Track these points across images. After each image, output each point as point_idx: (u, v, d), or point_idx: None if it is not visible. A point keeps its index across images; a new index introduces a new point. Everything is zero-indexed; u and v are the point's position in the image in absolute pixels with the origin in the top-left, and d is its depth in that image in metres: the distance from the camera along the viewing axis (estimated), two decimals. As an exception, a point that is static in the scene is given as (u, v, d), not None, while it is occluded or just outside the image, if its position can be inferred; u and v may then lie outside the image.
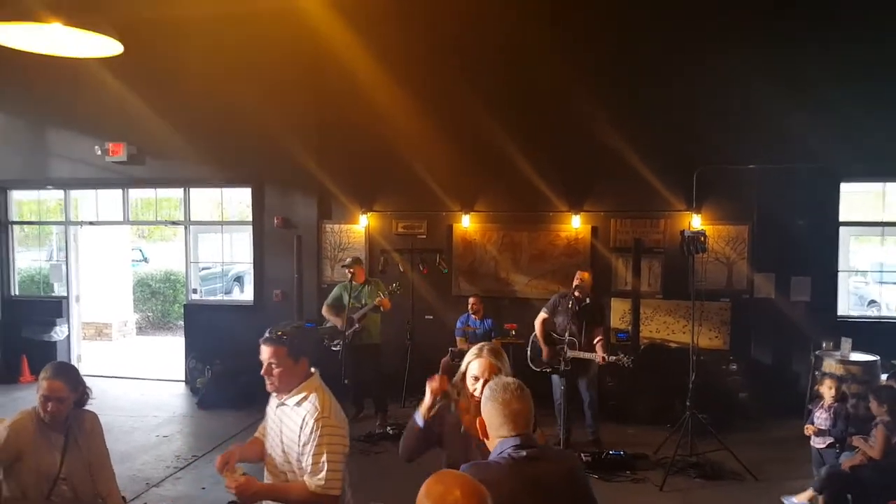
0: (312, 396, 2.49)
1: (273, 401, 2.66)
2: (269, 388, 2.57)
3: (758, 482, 5.20)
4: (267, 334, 2.52)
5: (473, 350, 2.49)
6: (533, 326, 6.17)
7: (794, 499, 4.79)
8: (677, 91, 6.94)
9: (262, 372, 2.53)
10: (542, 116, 7.31)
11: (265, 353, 2.51)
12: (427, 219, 7.73)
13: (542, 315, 6.09)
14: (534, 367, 6.04)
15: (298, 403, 2.51)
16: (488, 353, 2.43)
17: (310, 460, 2.42)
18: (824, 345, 6.51)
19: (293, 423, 2.50)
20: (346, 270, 6.60)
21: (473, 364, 2.44)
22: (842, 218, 7.12)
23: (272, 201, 8.04)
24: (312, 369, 2.62)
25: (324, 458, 2.40)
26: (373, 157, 7.67)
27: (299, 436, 2.46)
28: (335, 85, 7.62)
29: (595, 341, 5.88)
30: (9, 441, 2.72)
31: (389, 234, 7.83)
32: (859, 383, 5.85)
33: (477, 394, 2.35)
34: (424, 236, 7.72)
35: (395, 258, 7.61)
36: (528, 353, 6.19)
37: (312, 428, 2.42)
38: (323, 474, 2.40)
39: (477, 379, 2.40)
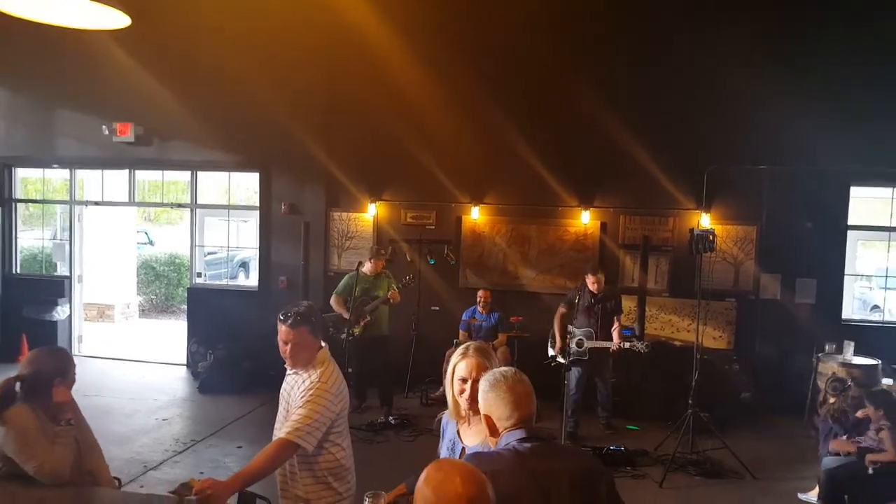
0: (321, 368, 2.66)
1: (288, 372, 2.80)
2: (289, 365, 2.72)
3: (757, 481, 5.23)
4: (287, 316, 2.62)
5: (459, 350, 2.35)
6: (541, 321, 6.33)
7: (809, 494, 4.82)
8: (690, 90, 6.89)
9: (285, 352, 2.66)
10: (555, 111, 7.27)
11: (290, 334, 2.62)
12: (436, 209, 7.70)
13: (561, 309, 6.23)
14: (560, 360, 6.08)
15: (309, 373, 2.66)
16: (475, 353, 2.30)
17: (292, 414, 2.59)
18: (827, 347, 6.51)
19: (299, 387, 2.66)
20: (371, 261, 6.47)
21: (460, 365, 2.30)
22: (850, 222, 7.10)
23: (280, 187, 8.01)
24: (322, 343, 2.76)
25: (303, 411, 2.54)
26: (383, 146, 7.63)
27: (298, 399, 2.62)
28: (346, 73, 7.58)
29: (612, 330, 6.08)
30: (27, 447, 2.63)
31: (398, 223, 7.80)
32: (860, 386, 5.88)
33: (465, 396, 2.27)
34: (433, 227, 7.69)
35: (403, 248, 7.58)
36: (549, 345, 6.30)
37: (307, 388, 2.60)
38: (295, 424, 2.52)
39: (465, 381, 2.27)
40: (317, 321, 2.69)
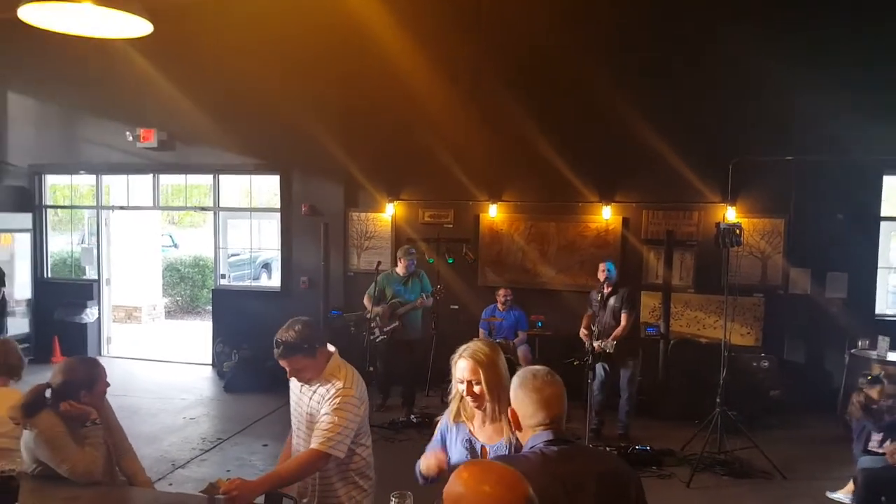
0: (339, 374, 2.66)
1: (296, 382, 2.77)
2: (299, 381, 2.71)
3: (787, 480, 5.10)
4: (277, 348, 2.59)
5: (459, 350, 2.37)
6: (561, 319, 6.38)
7: (840, 493, 4.69)
8: (713, 81, 6.77)
9: (289, 376, 2.67)
10: (574, 106, 7.18)
11: (284, 364, 2.61)
12: (454, 208, 7.67)
13: (588, 311, 6.21)
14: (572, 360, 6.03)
15: (329, 381, 2.65)
16: (469, 355, 2.31)
17: (321, 423, 2.58)
18: (860, 343, 6.34)
19: (320, 396, 2.65)
20: (402, 260, 6.43)
21: (459, 365, 2.33)
22: (882, 213, 6.90)
23: (300, 189, 8.08)
24: (331, 347, 2.73)
25: (333, 419, 2.55)
26: (400, 146, 7.64)
27: (323, 406, 2.62)
28: (363, 75, 7.58)
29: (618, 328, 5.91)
30: (58, 451, 2.66)
31: (416, 222, 7.80)
32: (896, 384, 5.73)
33: (462, 393, 2.31)
34: (451, 225, 7.66)
35: (421, 247, 7.58)
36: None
37: (333, 395, 2.59)
38: (327, 434, 2.53)
39: (461, 381, 2.31)
40: (310, 343, 2.60)
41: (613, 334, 5.81)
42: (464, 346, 2.38)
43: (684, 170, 6.87)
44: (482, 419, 2.34)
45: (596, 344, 5.63)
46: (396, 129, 7.57)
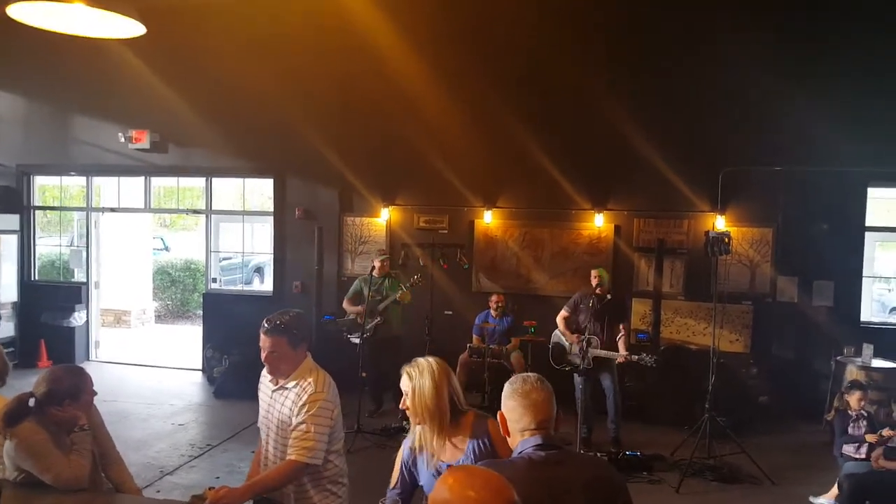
0: (310, 377, 2.66)
1: (267, 387, 2.77)
2: (268, 372, 2.71)
3: (775, 486, 5.16)
4: (266, 324, 2.63)
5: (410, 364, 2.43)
6: (554, 324, 6.23)
7: (822, 498, 4.75)
8: (705, 92, 6.86)
9: (264, 359, 2.65)
10: (568, 114, 7.26)
11: (266, 342, 2.62)
12: (449, 213, 7.70)
13: (564, 313, 6.17)
14: (555, 366, 6.05)
15: (298, 384, 2.65)
16: (407, 368, 2.39)
17: (297, 431, 2.58)
18: (846, 350, 6.45)
19: (291, 402, 2.64)
20: (376, 262, 6.51)
21: (402, 378, 2.40)
22: (867, 223, 7.02)
23: (294, 193, 8.07)
24: (307, 352, 2.75)
25: (309, 428, 2.56)
26: (396, 151, 7.66)
27: (296, 413, 2.61)
28: (359, 79, 7.61)
29: (617, 338, 5.95)
30: (39, 460, 2.62)
31: (411, 228, 7.81)
32: (881, 390, 5.83)
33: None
34: (446, 231, 7.69)
35: (415, 252, 7.59)
36: (550, 351, 6.23)
37: (306, 401, 2.59)
38: (304, 443, 2.55)
39: (405, 393, 2.37)
40: (299, 332, 2.65)
41: (623, 345, 5.88)
42: (414, 360, 2.43)
43: (675, 179, 6.96)
44: (440, 438, 2.36)
45: (636, 357, 5.66)
46: (392, 134, 7.59)
